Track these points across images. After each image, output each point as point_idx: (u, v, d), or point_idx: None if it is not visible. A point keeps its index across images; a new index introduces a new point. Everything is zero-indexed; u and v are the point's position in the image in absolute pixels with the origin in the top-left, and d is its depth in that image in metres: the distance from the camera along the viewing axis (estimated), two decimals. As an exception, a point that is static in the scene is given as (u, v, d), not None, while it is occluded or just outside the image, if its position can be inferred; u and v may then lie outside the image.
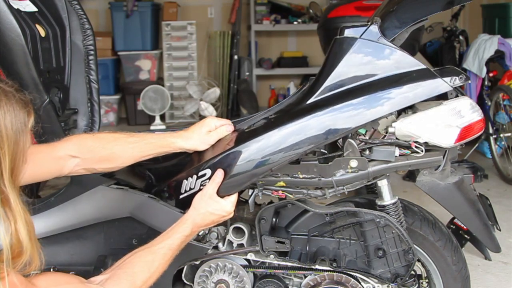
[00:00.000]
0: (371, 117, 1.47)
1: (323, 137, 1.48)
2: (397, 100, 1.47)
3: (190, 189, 1.56)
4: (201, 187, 1.53)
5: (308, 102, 1.53)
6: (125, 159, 1.50)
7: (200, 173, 1.54)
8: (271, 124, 1.53)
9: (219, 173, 1.50)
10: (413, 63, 1.51)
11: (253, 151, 1.50)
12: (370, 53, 1.51)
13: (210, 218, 1.46)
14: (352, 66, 1.51)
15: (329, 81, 1.52)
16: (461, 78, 1.48)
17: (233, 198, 1.50)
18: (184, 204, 1.56)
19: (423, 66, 1.50)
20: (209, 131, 1.57)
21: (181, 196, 1.58)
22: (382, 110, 1.47)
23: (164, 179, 1.65)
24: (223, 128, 1.59)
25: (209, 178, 1.51)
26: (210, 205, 1.46)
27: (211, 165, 1.53)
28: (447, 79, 1.48)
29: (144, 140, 1.51)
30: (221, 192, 1.50)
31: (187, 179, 1.57)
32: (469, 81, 1.48)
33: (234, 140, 1.55)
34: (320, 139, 1.48)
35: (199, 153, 1.58)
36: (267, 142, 1.49)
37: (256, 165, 1.50)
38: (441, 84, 1.48)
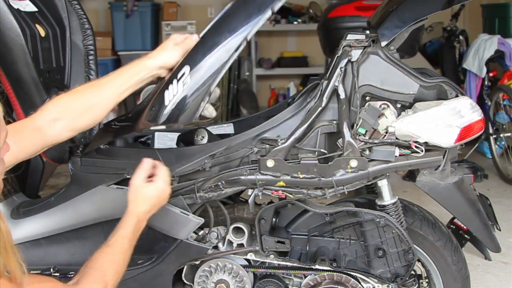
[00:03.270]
0: None
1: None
2: None
3: (174, 95, 1.49)
4: (184, 86, 1.47)
5: None
6: (105, 102, 1.45)
7: (179, 74, 1.48)
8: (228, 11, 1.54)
9: (145, 161, 1.48)
10: None
11: (227, 32, 1.48)
12: None
13: (149, 203, 1.44)
14: None
15: None
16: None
17: (163, 174, 1.47)
18: (171, 117, 1.50)
19: None
20: (176, 44, 1.53)
21: (165, 110, 1.50)
22: None
23: (143, 109, 1.57)
24: (189, 38, 1.54)
25: (190, 74, 1.47)
26: (142, 191, 1.44)
27: (187, 60, 1.48)
28: None
29: (117, 75, 1.47)
30: (207, 84, 1.47)
31: (168, 89, 1.49)
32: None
33: (205, 32, 1.53)
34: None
35: (172, 70, 1.53)
36: (229, 23, 1.50)
37: (229, 40, 1.48)
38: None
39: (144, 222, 1.46)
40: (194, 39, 1.55)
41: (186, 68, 1.48)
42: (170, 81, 1.50)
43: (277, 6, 1.47)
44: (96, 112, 1.45)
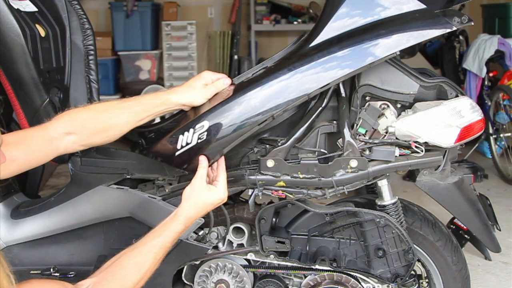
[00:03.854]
0: (380, 55, 1.43)
1: (326, 81, 1.44)
2: (400, 40, 1.43)
3: (187, 144, 1.47)
4: (199, 141, 1.45)
5: (310, 46, 1.49)
6: (121, 126, 1.42)
7: (197, 126, 1.46)
8: (272, 72, 1.47)
9: (203, 160, 1.43)
10: (414, 4, 1.47)
11: (254, 99, 1.44)
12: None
13: (204, 209, 1.39)
14: (350, 11, 1.48)
15: (329, 27, 1.48)
16: (463, 19, 1.43)
17: (223, 181, 1.43)
18: (180, 161, 1.49)
19: (424, 6, 1.47)
20: (205, 85, 1.48)
21: (177, 153, 1.48)
22: (386, 50, 1.43)
23: (158, 139, 1.56)
24: (220, 81, 1.50)
25: (207, 131, 1.44)
26: (203, 195, 1.38)
27: (209, 116, 1.45)
28: (450, 19, 1.44)
29: (137, 104, 1.44)
30: (220, 147, 1.44)
31: (183, 134, 1.47)
32: (472, 23, 1.46)
33: (232, 92, 1.49)
34: (323, 83, 1.44)
35: (196, 109, 1.51)
36: (269, 90, 1.44)
37: (257, 114, 1.44)
38: (444, 24, 1.44)
39: (187, 228, 1.39)
40: (225, 83, 1.51)
41: (205, 123, 1.45)
42: (187, 128, 1.47)
43: (313, 93, 1.46)
44: (111, 133, 1.43)
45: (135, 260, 1.26)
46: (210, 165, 1.46)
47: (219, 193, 1.41)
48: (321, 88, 1.45)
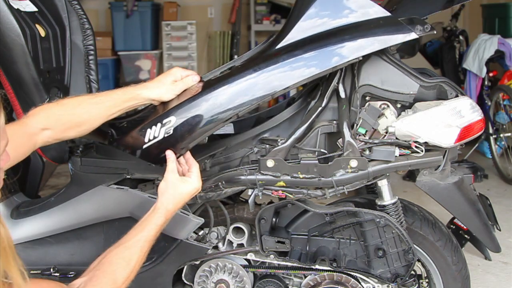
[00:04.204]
0: (344, 58, 1.46)
1: (291, 82, 1.46)
2: (363, 45, 1.46)
3: (154, 137, 1.49)
4: (165, 135, 1.48)
5: (276, 48, 1.51)
6: (94, 121, 1.47)
7: (165, 121, 1.48)
8: (238, 71, 1.50)
9: (170, 154, 1.46)
10: (379, 11, 1.50)
11: (220, 97, 1.47)
12: (337, 1, 1.51)
13: (181, 200, 1.42)
14: (318, 14, 1.50)
15: (295, 30, 1.51)
16: (426, 27, 1.46)
17: (197, 171, 1.46)
18: (147, 155, 1.52)
19: (389, 14, 1.50)
20: (175, 81, 1.52)
21: (144, 146, 1.51)
22: (349, 54, 1.46)
23: (126, 132, 1.58)
24: (189, 78, 1.54)
25: (174, 126, 1.47)
26: (178, 187, 1.42)
27: (176, 112, 1.48)
28: (412, 27, 1.46)
29: (109, 98, 1.48)
30: (186, 142, 1.47)
31: (151, 128, 1.50)
32: (434, 32, 1.48)
33: (201, 89, 1.51)
34: (288, 84, 1.46)
35: (164, 104, 1.53)
36: (235, 88, 1.47)
37: (223, 111, 1.47)
38: (407, 31, 1.46)
39: (168, 220, 1.42)
40: (194, 79, 1.54)
41: (172, 118, 1.48)
42: (155, 122, 1.50)
43: (278, 93, 1.48)
44: (84, 128, 1.48)
45: (123, 255, 1.29)
46: (177, 159, 1.48)
47: (194, 183, 1.44)
48: (285, 89, 1.47)
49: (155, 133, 1.50)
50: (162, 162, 1.48)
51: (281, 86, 1.46)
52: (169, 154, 1.47)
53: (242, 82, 1.47)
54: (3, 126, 1.00)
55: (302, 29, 1.50)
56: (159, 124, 1.49)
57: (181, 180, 1.43)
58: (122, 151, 1.59)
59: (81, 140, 1.82)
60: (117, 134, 1.62)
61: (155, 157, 1.51)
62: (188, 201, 1.45)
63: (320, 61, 1.46)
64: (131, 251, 1.31)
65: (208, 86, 1.50)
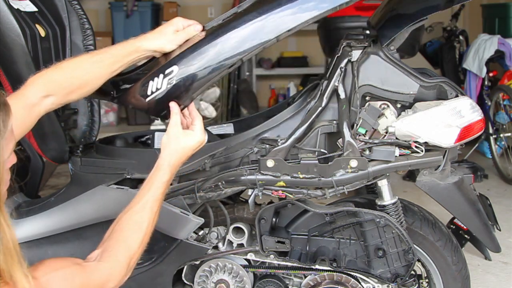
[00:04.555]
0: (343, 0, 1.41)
1: (293, 25, 1.42)
2: None
3: (157, 89, 1.45)
4: (168, 86, 1.44)
5: None
6: (96, 80, 1.42)
7: (167, 71, 1.44)
8: (240, 17, 1.46)
9: (174, 105, 1.42)
10: None
11: (222, 44, 1.43)
12: None
13: (184, 154, 1.38)
14: None
15: None
16: None
17: (200, 124, 1.42)
18: (150, 107, 1.48)
19: None
20: (176, 31, 1.46)
21: (147, 99, 1.47)
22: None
23: (128, 87, 1.54)
24: (191, 27, 1.48)
25: (176, 76, 1.43)
26: (181, 141, 1.37)
27: (178, 61, 1.43)
28: None
29: (109, 54, 1.43)
30: (190, 92, 1.44)
31: (153, 80, 1.45)
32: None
33: (203, 38, 1.47)
34: (290, 27, 1.42)
35: (166, 55, 1.48)
36: (237, 33, 1.43)
37: (226, 58, 1.43)
38: None
39: (174, 175, 1.38)
40: (196, 29, 1.48)
41: (175, 68, 1.44)
42: (157, 73, 1.46)
43: (282, 36, 1.44)
44: (86, 89, 1.43)
45: (133, 220, 1.27)
46: (181, 110, 1.45)
47: (197, 135, 1.40)
48: (289, 31, 1.43)
49: (157, 85, 1.45)
50: (166, 115, 1.44)
51: (286, 27, 1.42)
52: (173, 106, 1.42)
53: (245, 28, 1.43)
54: (11, 129, 1.00)
55: None
56: (161, 75, 1.45)
57: (184, 134, 1.39)
58: (126, 107, 1.54)
59: (81, 140, 1.82)
60: (117, 91, 1.57)
61: (158, 110, 1.48)
62: (191, 154, 1.41)
63: (325, 1, 1.41)
64: (141, 214, 1.28)
65: (211, 33, 1.46)
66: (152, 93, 1.46)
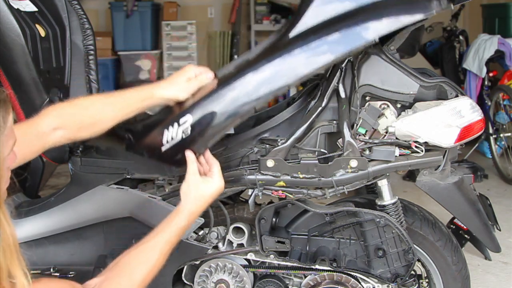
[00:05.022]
0: (354, 45, 1.41)
1: (308, 70, 1.42)
2: (380, 26, 1.40)
3: (172, 138, 1.46)
4: (183, 135, 1.44)
5: (290, 36, 1.46)
6: (107, 121, 1.44)
7: (181, 120, 1.44)
8: (253, 64, 1.45)
9: (190, 154, 1.43)
10: None
11: (235, 92, 1.43)
12: None
13: (205, 201, 1.39)
14: None
15: (308, 16, 1.45)
16: (442, 2, 1.42)
17: (218, 170, 1.42)
18: (167, 157, 1.48)
19: None
20: (189, 79, 1.49)
21: (163, 148, 1.47)
22: (364, 38, 1.41)
23: (144, 135, 1.55)
24: (204, 75, 1.50)
25: (191, 125, 1.43)
26: (201, 189, 1.38)
27: (192, 110, 1.44)
28: (430, 3, 1.42)
29: (123, 98, 1.46)
30: (205, 141, 1.44)
31: (168, 129, 1.46)
32: (452, 7, 1.46)
33: (215, 86, 1.47)
34: (305, 72, 1.42)
35: (180, 104, 1.49)
36: (250, 82, 1.43)
37: (240, 106, 1.43)
38: (423, 8, 1.41)
39: (192, 223, 1.39)
40: (208, 76, 1.51)
41: (189, 117, 1.44)
42: (171, 123, 1.46)
43: (294, 84, 1.45)
44: (97, 128, 1.45)
45: (141, 257, 1.27)
46: (197, 158, 1.45)
47: (216, 182, 1.40)
48: (302, 77, 1.43)
49: (172, 134, 1.46)
50: (182, 163, 1.44)
51: (298, 74, 1.41)
52: (189, 155, 1.43)
53: (258, 74, 1.43)
54: (11, 125, 1.00)
55: (315, 14, 1.45)
56: (176, 124, 1.45)
57: (203, 181, 1.39)
58: (141, 156, 1.55)
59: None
60: (134, 138, 1.59)
61: (174, 159, 1.48)
62: (211, 201, 1.41)
63: (338, 46, 1.40)
64: (150, 253, 1.28)
65: (223, 81, 1.47)
66: (168, 142, 1.47)
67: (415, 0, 1.43)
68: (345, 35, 1.41)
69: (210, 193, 1.39)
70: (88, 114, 1.43)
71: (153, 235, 1.31)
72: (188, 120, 1.44)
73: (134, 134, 1.60)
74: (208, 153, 1.48)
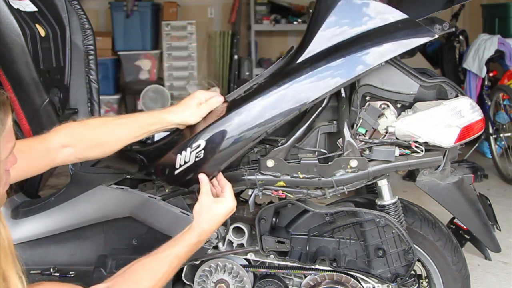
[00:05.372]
0: (361, 69, 1.47)
1: (317, 95, 1.48)
2: (386, 51, 1.47)
3: (185, 162, 1.52)
4: (196, 159, 1.50)
5: (297, 62, 1.52)
6: (117, 142, 1.47)
7: (194, 145, 1.50)
8: (262, 89, 1.51)
9: (203, 177, 1.48)
10: (397, 15, 1.51)
11: (246, 117, 1.48)
12: (355, 9, 1.51)
13: (217, 221, 1.42)
14: (337, 23, 1.51)
15: (315, 42, 1.51)
16: (445, 26, 1.47)
17: (230, 191, 1.46)
18: (180, 180, 1.54)
19: (407, 16, 1.51)
20: (200, 104, 1.53)
21: (176, 172, 1.53)
22: (370, 62, 1.47)
23: (156, 159, 1.60)
24: (214, 99, 1.55)
25: (204, 149, 1.49)
26: (213, 209, 1.42)
27: (205, 135, 1.50)
28: (432, 27, 1.48)
29: (133, 121, 1.49)
30: (217, 164, 1.49)
31: (181, 153, 1.52)
32: (452, 29, 1.51)
33: (225, 110, 1.53)
34: (315, 97, 1.48)
35: (191, 127, 1.55)
36: (261, 107, 1.48)
37: (251, 131, 1.49)
38: (426, 32, 1.48)
39: (203, 242, 1.42)
40: (218, 100, 1.55)
41: (202, 142, 1.50)
42: (184, 147, 1.52)
43: (304, 107, 1.50)
44: (106, 149, 1.48)
45: (150, 267, 1.28)
46: (210, 180, 1.50)
47: (228, 203, 1.44)
48: (312, 101, 1.49)
49: (185, 158, 1.52)
50: (196, 185, 1.50)
51: (308, 98, 1.48)
52: (202, 177, 1.47)
53: (268, 98, 1.48)
54: (11, 127, 1.00)
55: (322, 40, 1.51)
56: (188, 149, 1.51)
57: (215, 201, 1.43)
58: (154, 179, 1.60)
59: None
60: (147, 160, 1.64)
61: (188, 182, 1.53)
62: (223, 221, 1.45)
63: (345, 70, 1.47)
64: (159, 263, 1.29)
65: (233, 105, 1.52)
66: (181, 166, 1.53)
67: (418, 25, 1.48)
68: (351, 60, 1.47)
69: (222, 213, 1.42)
70: (97, 134, 1.46)
71: (164, 248, 1.33)
72: (200, 145, 1.50)
73: (147, 156, 1.65)
74: (220, 175, 1.52)
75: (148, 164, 1.64)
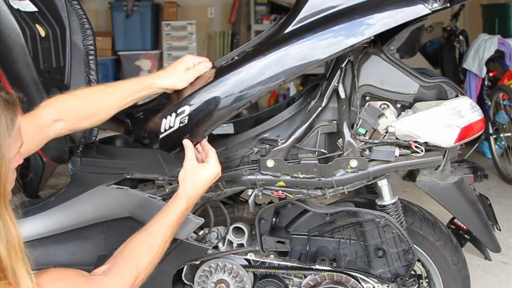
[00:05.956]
0: (350, 42, 1.45)
1: (302, 67, 1.46)
2: (377, 25, 1.44)
3: (170, 127, 1.50)
4: (181, 124, 1.49)
5: (286, 31, 1.51)
6: (107, 111, 1.47)
7: (179, 110, 1.49)
8: (249, 57, 1.50)
9: (188, 142, 1.47)
10: None
11: (231, 84, 1.47)
12: None
13: (202, 186, 1.43)
14: None
15: (306, 9, 1.50)
16: (439, 1, 1.45)
17: (214, 156, 1.46)
18: (164, 144, 1.53)
19: None
20: (187, 69, 1.52)
21: (161, 136, 1.52)
22: (361, 36, 1.44)
23: (142, 122, 1.59)
24: (201, 65, 1.54)
25: (188, 115, 1.48)
26: (198, 174, 1.42)
27: (190, 101, 1.49)
28: (426, 2, 1.45)
29: (122, 88, 1.49)
30: (201, 130, 1.49)
31: (166, 118, 1.50)
32: (447, 5, 1.48)
33: (213, 76, 1.52)
34: (299, 69, 1.46)
35: (178, 92, 1.54)
36: (246, 74, 1.47)
37: (236, 98, 1.47)
38: (420, 8, 1.44)
39: (191, 207, 1.43)
40: (206, 66, 1.54)
41: (186, 108, 1.49)
42: (170, 112, 1.51)
43: (289, 78, 1.49)
44: (97, 118, 1.48)
45: (145, 241, 1.31)
46: (194, 146, 1.49)
47: (212, 167, 1.44)
48: (296, 74, 1.47)
49: (170, 123, 1.50)
50: (180, 150, 1.49)
51: (294, 70, 1.45)
52: (186, 143, 1.47)
53: (253, 68, 1.46)
54: (19, 128, 1.01)
55: (313, 7, 1.49)
56: (173, 114, 1.50)
57: (199, 167, 1.43)
58: (139, 142, 1.59)
59: (81, 140, 1.82)
60: (132, 124, 1.62)
61: (172, 146, 1.52)
62: (208, 186, 1.45)
63: (332, 43, 1.44)
64: (153, 236, 1.32)
65: (221, 72, 1.50)
66: (165, 130, 1.51)
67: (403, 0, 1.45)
68: (341, 31, 1.44)
69: (207, 177, 1.43)
70: (88, 104, 1.45)
71: (154, 221, 1.35)
72: (185, 111, 1.48)
73: (133, 119, 1.63)
74: (204, 141, 1.52)
75: (133, 128, 1.62)
